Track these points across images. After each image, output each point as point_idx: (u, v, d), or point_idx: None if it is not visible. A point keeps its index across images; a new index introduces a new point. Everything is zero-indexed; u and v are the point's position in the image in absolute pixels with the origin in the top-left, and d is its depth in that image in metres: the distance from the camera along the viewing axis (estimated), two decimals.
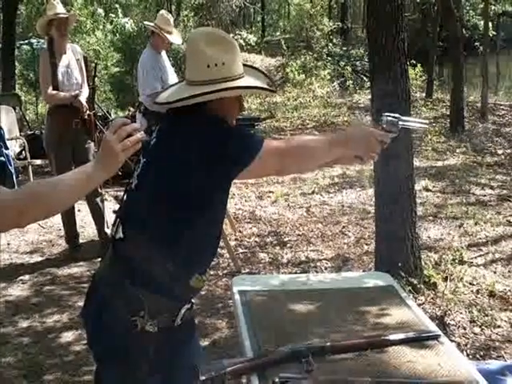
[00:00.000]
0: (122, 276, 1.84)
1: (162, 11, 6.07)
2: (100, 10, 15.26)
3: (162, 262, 1.79)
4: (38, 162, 7.13)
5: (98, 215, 5.22)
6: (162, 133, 1.95)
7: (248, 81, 1.88)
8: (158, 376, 1.90)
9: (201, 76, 1.84)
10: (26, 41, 14.04)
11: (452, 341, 3.04)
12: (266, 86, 1.94)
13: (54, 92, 4.94)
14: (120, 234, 1.87)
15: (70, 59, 5.06)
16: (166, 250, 1.80)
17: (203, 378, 1.81)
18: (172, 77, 5.58)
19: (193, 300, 1.98)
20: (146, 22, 5.98)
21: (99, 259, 4.42)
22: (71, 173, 1.64)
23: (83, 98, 5.02)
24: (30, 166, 7.01)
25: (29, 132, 8.36)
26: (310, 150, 1.91)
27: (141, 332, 1.80)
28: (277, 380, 1.79)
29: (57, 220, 5.58)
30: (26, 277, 4.81)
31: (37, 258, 5.21)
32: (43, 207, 1.56)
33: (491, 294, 4.20)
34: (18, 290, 4.59)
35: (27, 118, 9.75)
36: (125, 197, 1.94)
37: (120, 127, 1.59)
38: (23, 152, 7.34)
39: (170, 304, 1.86)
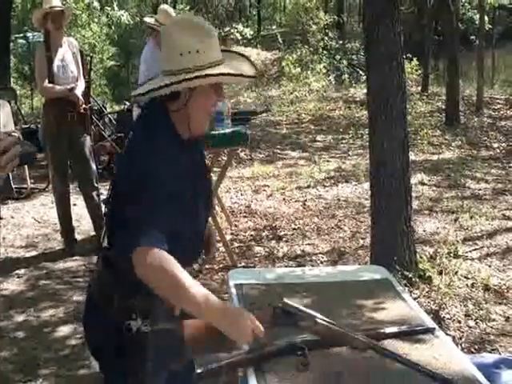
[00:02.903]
0: (112, 284, 1.83)
1: (163, 6, 5.98)
2: (96, 3, 15.17)
3: None
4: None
5: (93, 209, 5.21)
6: None
7: (223, 68, 1.78)
8: (164, 373, 1.90)
9: (174, 65, 1.77)
10: (22, 34, 13.99)
11: (447, 334, 3.05)
12: (241, 73, 1.83)
13: (50, 85, 4.92)
14: (106, 243, 1.86)
15: (66, 53, 5.04)
16: None
17: (199, 370, 1.82)
18: None
19: None
20: (146, 19, 5.83)
21: (95, 254, 4.42)
22: None
23: (79, 91, 5.01)
24: None
25: (24, 126, 8.34)
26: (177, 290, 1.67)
27: (137, 334, 1.79)
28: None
29: (52, 214, 5.58)
30: (22, 271, 4.81)
31: (32, 253, 5.20)
32: None
33: (486, 288, 4.21)
34: (13, 285, 4.59)
35: (22, 112, 9.71)
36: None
37: None
38: None
39: (163, 302, 1.82)
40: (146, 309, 1.80)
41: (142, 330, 1.79)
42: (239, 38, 18.66)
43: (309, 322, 1.89)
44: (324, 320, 1.90)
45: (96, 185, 5.19)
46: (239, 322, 1.66)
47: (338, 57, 15.90)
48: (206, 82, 1.75)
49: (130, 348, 1.79)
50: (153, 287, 1.65)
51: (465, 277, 4.38)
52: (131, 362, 1.81)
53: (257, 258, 4.99)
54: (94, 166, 5.23)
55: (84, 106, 5.03)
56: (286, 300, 1.90)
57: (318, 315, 1.91)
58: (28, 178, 6.93)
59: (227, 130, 4.76)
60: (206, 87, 1.78)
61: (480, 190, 6.65)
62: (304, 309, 1.91)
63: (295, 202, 6.43)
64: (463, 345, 3.53)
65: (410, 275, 4.11)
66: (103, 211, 1.95)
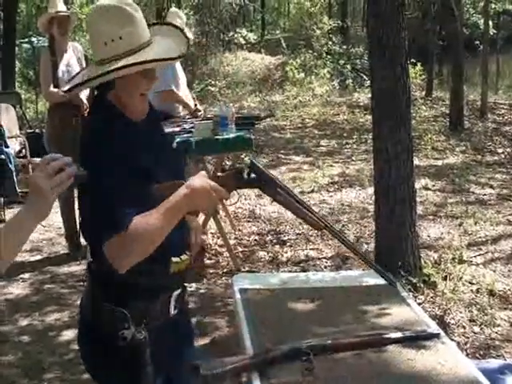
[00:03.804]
0: (98, 295, 1.82)
1: (173, 8, 5.98)
2: None
3: (134, 266, 1.68)
4: (38, 160, 7.11)
5: None
6: None
7: (148, 53, 1.73)
8: (163, 376, 1.89)
9: (99, 54, 1.74)
10: (26, 39, 14.04)
11: (452, 340, 3.05)
12: (165, 56, 1.78)
13: (55, 90, 4.94)
14: (89, 256, 1.86)
15: (71, 57, 5.07)
16: None
17: (204, 375, 1.82)
18: (180, 73, 5.48)
19: (184, 284, 1.95)
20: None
21: None
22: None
23: (83, 95, 5.02)
24: (30, 165, 7.01)
25: (29, 130, 8.35)
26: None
27: (132, 342, 1.76)
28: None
29: (57, 218, 5.58)
30: (26, 275, 4.81)
31: (37, 257, 5.21)
32: None
33: (491, 293, 4.20)
34: (18, 289, 4.60)
35: (27, 117, 9.73)
36: None
37: (48, 163, 1.44)
38: (23, 150, 7.34)
39: (154, 302, 1.83)
40: (137, 314, 1.78)
41: (137, 338, 1.76)
42: (243, 42, 18.67)
43: (270, 188, 1.82)
44: (285, 189, 1.82)
45: None
46: (204, 196, 1.67)
47: (341, 61, 15.91)
48: (127, 72, 1.71)
49: (128, 358, 1.76)
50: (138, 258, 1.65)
51: (469, 282, 4.36)
52: (132, 373, 1.78)
53: (261, 263, 4.99)
54: None
55: (88, 110, 5.04)
56: (252, 160, 1.82)
57: (281, 183, 1.84)
58: None
59: (231, 135, 4.76)
60: (133, 74, 1.73)
61: (484, 195, 6.63)
62: (268, 173, 1.82)
63: None
64: (468, 350, 3.52)
65: (415, 280, 4.10)
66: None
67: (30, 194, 1.45)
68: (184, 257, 1.88)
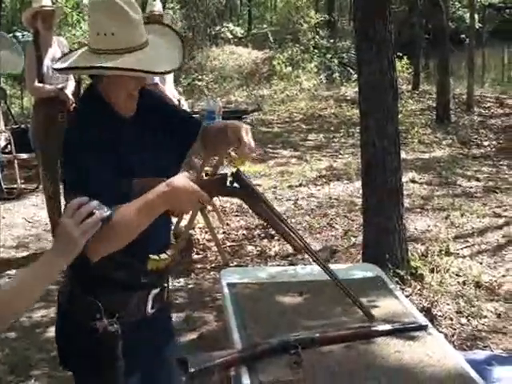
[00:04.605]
0: (75, 285, 1.83)
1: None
2: (85, 1, 15.11)
3: (110, 259, 1.69)
4: (24, 156, 7.07)
5: None
6: None
7: (137, 56, 1.69)
8: (138, 374, 1.88)
9: (92, 43, 1.74)
10: (11, 34, 13.89)
11: (439, 331, 3.06)
12: (154, 70, 1.75)
13: (40, 85, 4.91)
14: None
15: (56, 52, 5.02)
16: None
17: (192, 370, 1.81)
18: None
19: (164, 284, 1.92)
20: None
21: None
22: (26, 274, 1.54)
23: (69, 91, 4.99)
24: (16, 161, 6.96)
25: (14, 126, 8.30)
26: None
27: (104, 334, 1.75)
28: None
29: (43, 215, 5.56)
30: (13, 272, 4.78)
31: (23, 253, 5.18)
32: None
33: (477, 285, 4.23)
34: None
35: (12, 112, 9.66)
36: None
37: (77, 209, 1.46)
38: (9, 146, 7.29)
39: (130, 297, 1.82)
40: (111, 307, 1.77)
41: (109, 330, 1.75)
42: (230, 36, 18.63)
43: (253, 201, 1.81)
44: (268, 205, 1.81)
45: None
46: (183, 196, 1.63)
47: (328, 55, 15.90)
48: (109, 73, 1.70)
49: (99, 349, 1.75)
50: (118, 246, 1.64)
51: (456, 274, 4.39)
52: (102, 365, 1.77)
53: (249, 257, 4.99)
54: None
55: (74, 105, 5.01)
56: (239, 172, 1.77)
57: (265, 198, 1.82)
58: (18, 179, 6.90)
59: None
60: (122, 75, 1.72)
61: (471, 187, 6.67)
62: (253, 186, 1.79)
63: (287, 200, 6.43)
64: (455, 342, 3.54)
65: (402, 273, 4.12)
66: None
67: (59, 240, 1.48)
68: (163, 256, 1.86)
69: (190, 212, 1.66)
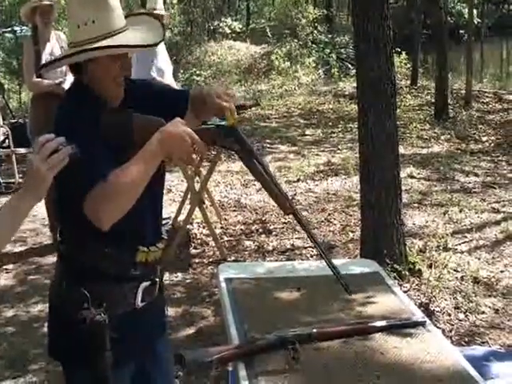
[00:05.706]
0: (64, 276, 1.82)
1: None
2: None
3: (98, 249, 1.73)
4: (22, 150, 7.06)
5: None
6: None
7: (121, 39, 1.71)
8: (130, 365, 1.87)
9: (73, 37, 1.73)
10: (9, 28, 13.88)
11: (437, 327, 3.06)
12: (139, 43, 1.77)
13: (38, 80, 4.89)
14: (58, 237, 1.84)
15: (54, 47, 5.01)
16: (95, 237, 1.70)
17: (189, 365, 1.81)
18: (166, 63, 5.45)
19: (156, 278, 1.90)
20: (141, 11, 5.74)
21: None
22: None
23: (67, 85, 4.97)
24: (14, 155, 6.95)
25: (12, 120, 8.29)
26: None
27: (91, 324, 1.73)
28: None
29: (41, 209, 5.54)
30: (10, 266, 4.78)
31: (21, 248, 5.17)
32: None
33: (475, 281, 4.23)
34: (2, 280, 4.56)
35: (10, 107, 9.65)
36: None
37: (43, 145, 1.47)
38: (6, 140, 7.28)
39: (118, 288, 1.80)
40: (98, 297, 1.75)
41: (96, 320, 1.73)
42: (228, 31, 18.58)
43: (247, 156, 1.79)
44: (262, 164, 1.80)
45: None
46: (178, 141, 1.63)
47: (327, 51, 15.87)
48: (96, 54, 1.70)
49: (86, 339, 1.73)
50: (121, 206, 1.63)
51: (454, 270, 4.39)
52: (90, 355, 1.75)
53: (247, 252, 4.99)
54: None
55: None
56: (237, 129, 1.78)
57: (259, 157, 1.80)
58: (16, 173, 6.89)
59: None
60: (104, 59, 1.72)
61: (469, 183, 6.67)
62: (248, 143, 1.79)
63: None
64: (453, 337, 3.54)
65: (400, 268, 4.12)
66: None
67: (28, 176, 1.51)
68: (153, 248, 1.85)
69: (189, 161, 1.58)
